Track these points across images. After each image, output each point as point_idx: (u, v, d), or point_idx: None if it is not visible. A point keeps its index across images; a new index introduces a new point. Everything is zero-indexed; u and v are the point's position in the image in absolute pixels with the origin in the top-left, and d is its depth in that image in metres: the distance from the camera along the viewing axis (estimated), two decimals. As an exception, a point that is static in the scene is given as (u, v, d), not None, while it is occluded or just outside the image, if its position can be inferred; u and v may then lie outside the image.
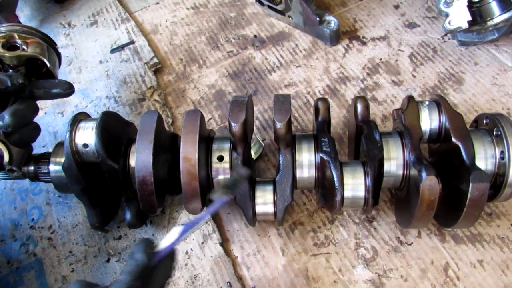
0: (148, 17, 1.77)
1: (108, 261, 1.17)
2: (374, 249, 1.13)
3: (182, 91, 1.51)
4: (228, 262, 1.14)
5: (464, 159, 0.94)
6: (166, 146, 1.09)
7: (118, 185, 1.07)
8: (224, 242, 1.18)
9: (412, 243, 1.13)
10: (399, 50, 1.52)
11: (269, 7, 1.65)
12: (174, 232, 0.80)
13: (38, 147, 1.41)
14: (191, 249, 1.17)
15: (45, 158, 1.12)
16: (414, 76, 1.45)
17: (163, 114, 1.41)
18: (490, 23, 1.32)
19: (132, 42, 1.66)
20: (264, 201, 1.05)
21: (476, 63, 1.45)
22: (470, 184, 0.89)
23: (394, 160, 1.01)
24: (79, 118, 1.09)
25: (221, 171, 1.06)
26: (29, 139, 1.07)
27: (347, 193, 0.99)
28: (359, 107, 1.08)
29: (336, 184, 0.96)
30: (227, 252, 1.16)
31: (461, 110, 1.34)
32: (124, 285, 0.72)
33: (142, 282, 0.74)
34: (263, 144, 1.33)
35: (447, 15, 1.32)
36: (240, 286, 1.10)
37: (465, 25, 1.31)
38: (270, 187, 1.06)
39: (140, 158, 0.98)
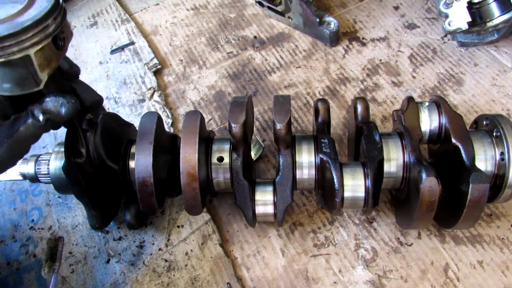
0: (148, 18, 1.77)
1: (108, 262, 1.17)
2: (374, 250, 1.13)
3: (182, 92, 1.51)
4: (228, 263, 1.14)
5: (464, 160, 0.94)
6: (166, 147, 1.09)
7: (118, 186, 1.07)
8: (224, 243, 1.18)
9: (412, 244, 1.13)
10: (399, 51, 1.52)
11: (269, 8, 1.65)
12: None
13: (38, 148, 1.41)
14: (191, 250, 1.17)
15: (45, 159, 1.12)
16: (414, 77, 1.45)
17: (163, 115, 1.41)
18: (489, 24, 1.32)
19: (132, 43, 1.66)
20: (264, 202, 1.05)
21: (476, 64, 1.45)
22: (470, 185, 0.89)
23: (394, 161, 1.01)
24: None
25: (221, 172, 1.06)
26: None
27: (347, 194, 0.99)
28: (359, 108, 1.08)
29: (336, 185, 0.96)
30: (227, 253, 1.16)
31: (461, 111, 1.34)
32: None
33: None
34: (263, 145, 1.33)
35: (446, 16, 1.32)
36: (240, 287, 1.10)
37: (464, 26, 1.31)
38: (270, 188, 1.06)
39: (140, 159, 0.98)
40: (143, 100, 1.49)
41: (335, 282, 1.09)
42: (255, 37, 1.63)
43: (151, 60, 1.58)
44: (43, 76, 0.77)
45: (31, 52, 0.74)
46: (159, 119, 1.06)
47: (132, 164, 1.06)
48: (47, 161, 1.11)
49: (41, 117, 0.82)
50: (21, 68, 0.75)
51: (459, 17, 1.31)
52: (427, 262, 1.10)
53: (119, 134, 1.10)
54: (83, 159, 1.02)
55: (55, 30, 0.77)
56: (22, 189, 1.33)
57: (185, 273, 1.13)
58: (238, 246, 1.17)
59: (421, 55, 1.50)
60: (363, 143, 1.02)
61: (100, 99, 1.04)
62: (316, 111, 1.09)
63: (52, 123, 0.85)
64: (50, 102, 0.83)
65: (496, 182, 1.00)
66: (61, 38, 0.81)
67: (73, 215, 1.26)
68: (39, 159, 1.13)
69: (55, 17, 0.77)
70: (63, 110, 0.83)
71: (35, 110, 0.82)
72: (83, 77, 1.61)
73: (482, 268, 1.08)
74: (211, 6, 1.76)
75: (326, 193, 1.02)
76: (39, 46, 0.74)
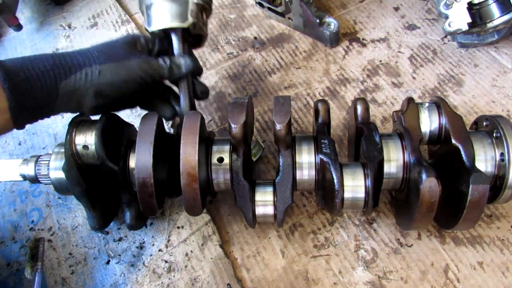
0: (148, 19, 1.76)
1: (108, 262, 1.17)
2: (374, 250, 1.13)
3: (182, 92, 1.51)
4: (228, 263, 1.13)
5: (464, 160, 0.94)
6: (166, 147, 1.08)
7: (118, 187, 1.07)
8: (224, 244, 1.18)
9: (412, 245, 1.13)
10: (399, 52, 1.52)
11: (269, 9, 1.65)
12: None
13: (38, 149, 1.41)
14: (191, 251, 1.17)
15: (45, 160, 1.12)
16: (414, 78, 1.45)
17: (163, 116, 1.40)
18: (490, 25, 1.32)
19: (132, 44, 1.66)
20: (264, 202, 1.05)
21: (476, 65, 1.45)
22: (470, 186, 0.89)
23: (394, 162, 1.01)
24: (79, 120, 1.09)
25: (221, 172, 1.06)
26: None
27: (347, 195, 0.99)
28: (359, 109, 1.08)
29: (336, 186, 0.96)
30: (227, 254, 1.16)
31: (461, 112, 1.34)
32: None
33: None
34: (263, 146, 1.33)
35: (447, 17, 1.32)
36: (240, 288, 1.10)
37: (465, 27, 1.31)
38: (270, 189, 1.05)
39: (140, 160, 0.98)
40: (143, 101, 1.49)
41: (335, 283, 1.09)
42: (255, 38, 1.63)
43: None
44: (191, 20, 1.09)
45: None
46: (159, 119, 1.06)
47: (132, 164, 1.06)
48: (47, 162, 1.11)
49: (168, 61, 1.07)
50: (180, 6, 1.08)
51: (459, 18, 1.31)
52: (427, 263, 1.10)
53: (119, 134, 1.10)
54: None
55: (208, 5, 1.15)
56: (22, 190, 1.33)
57: (185, 274, 1.13)
58: (238, 247, 1.17)
59: (421, 56, 1.50)
60: (363, 144, 1.02)
61: (207, 91, 1.21)
62: (316, 112, 1.09)
63: (171, 72, 1.07)
64: (180, 56, 1.10)
65: (496, 183, 1.00)
66: (205, 18, 1.16)
67: (73, 216, 1.26)
68: (39, 160, 1.13)
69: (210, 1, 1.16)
70: (184, 67, 1.08)
71: (165, 57, 1.07)
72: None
73: (482, 269, 1.08)
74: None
75: (326, 194, 1.02)
76: (195, 0, 1.10)
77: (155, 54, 1.11)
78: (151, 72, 1.04)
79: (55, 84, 0.91)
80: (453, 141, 0.97)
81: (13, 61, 0.90)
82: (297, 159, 1.03)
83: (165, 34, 1.11)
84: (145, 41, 1.09)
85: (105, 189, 1.10)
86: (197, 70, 1.14)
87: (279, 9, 1.60)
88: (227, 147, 1.06)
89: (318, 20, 1.51)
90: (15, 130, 0.95)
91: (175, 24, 1.08)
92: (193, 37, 1.16)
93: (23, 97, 0.88)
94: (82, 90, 0.95)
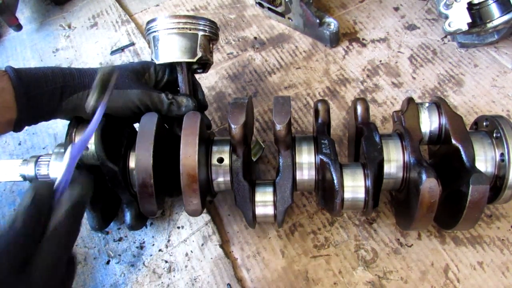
0: (148, 19, 1.76)
1: (108, 263, 1.17)
2: (374, 251, 1.13)
3: (182, 93, 1.51)
4: (228, 263, 1.14)
5: (464, 161, 0.94)
6: (166, 148, 1.08)
7: (118, 187, 1.07)
8: (224, 244, 1.18)
9: (412, 245, 1.13)
10: (399, 52, 1.52)
11: (269, 9, 1.65)
12: (65, 159, 0.74)
13: (38, 149, 1.41)
14: (191, 251, 1.17)
15: (45, 160, 1.12)
16: (414, 78, 1.45)
17: (163, 116, 1.40)
18: (490, 25, 1.32)
19: (132, 44, 1.66)
20: (264, 203, 1.05)
21: (476, 65, 1.45)
22: (470, 186, 0.89)
23: (394, 162, 1.01)
24: (79, 120, 1.09)
25: (221, 173, 1.06)
26: None
27: (347, 195, 0.99)
28: (359, 109, 1.08)
29: (336, 186, 0.96)
30: (227, 254, 1.16)
31: (461, 112, 1.34)
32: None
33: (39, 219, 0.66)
34: (263, 146, 1.33)
35: (446, 17, 1.32)
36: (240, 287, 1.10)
37: (464, 27, 1.31)
38: (270, 189, 1.05)
39: (140, 160, 0.98)
40: (143, 101, 1.49)
41: (335, 283, 1.09)
42: (255, 38, 1.63)
43: (151, 61, 1.58)
44: (199, 53, 1.10)
45: (200, 33, 1.10)
46: (159, 120, 1.06)
47: (132, 165, 1.06)
48: (47, 162, 1.11)
49: (170, 97, 1.07)
50: (189, 41, 1.09)
51: (459, 18, 1.31)
52: (427, 263, 1.10)
53: (119, 135, 1.10)
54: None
55: (215, 35, 1.15)
56: (22, 190, 1.33)
57: (185, 274, 1.13)
58: (238, 247, 1.17)
59: (421, 56, 1.50)
60: (363, 144, 1.02)
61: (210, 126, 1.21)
62: (316, 112, 1.09)
63: (169, 109, 1.08)
64: (182, 96, 1.09)
65: (496, 183, 1.00)
66: (212, 46, 1.17)
67: (73, 216, 1.26)
68: (39, 160, 1.12)
69: (217, 30, 1.16)
70: (183, 108, 1.08)
71: (169, 93, 1.08)
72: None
73: (482, 269, 1.08)
74: (211, 7, 1.76)
75: (326, 194, 1.02)
76: (204, 33, 1.11)
77: (164, 84, 1.14)
78: (149, 105, 1.06)
79: (60, 100, 0.98)
80: (453, 141, 0.97)
81: (30, 75, 0.95)
82: (297, 160, 1.03)
83: (171, 65, 1.14)
84: (154, 71, 1.12)
85: (105, 189, 1.10)
86: (202, 107, 1.18)
87: (279, 9, 1.60)
88: (227, 148, 1.06)
89: (318, 20, 1.51)
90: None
91: (184, 59, 1.09)
92: (199, 64, 1.16)
93: (31, 110, 0.95)
94: (81, 107, 1.01)
